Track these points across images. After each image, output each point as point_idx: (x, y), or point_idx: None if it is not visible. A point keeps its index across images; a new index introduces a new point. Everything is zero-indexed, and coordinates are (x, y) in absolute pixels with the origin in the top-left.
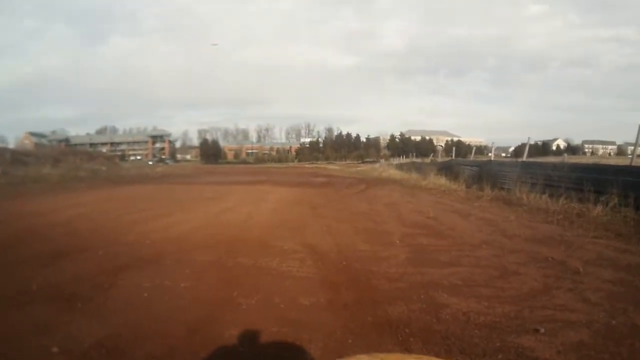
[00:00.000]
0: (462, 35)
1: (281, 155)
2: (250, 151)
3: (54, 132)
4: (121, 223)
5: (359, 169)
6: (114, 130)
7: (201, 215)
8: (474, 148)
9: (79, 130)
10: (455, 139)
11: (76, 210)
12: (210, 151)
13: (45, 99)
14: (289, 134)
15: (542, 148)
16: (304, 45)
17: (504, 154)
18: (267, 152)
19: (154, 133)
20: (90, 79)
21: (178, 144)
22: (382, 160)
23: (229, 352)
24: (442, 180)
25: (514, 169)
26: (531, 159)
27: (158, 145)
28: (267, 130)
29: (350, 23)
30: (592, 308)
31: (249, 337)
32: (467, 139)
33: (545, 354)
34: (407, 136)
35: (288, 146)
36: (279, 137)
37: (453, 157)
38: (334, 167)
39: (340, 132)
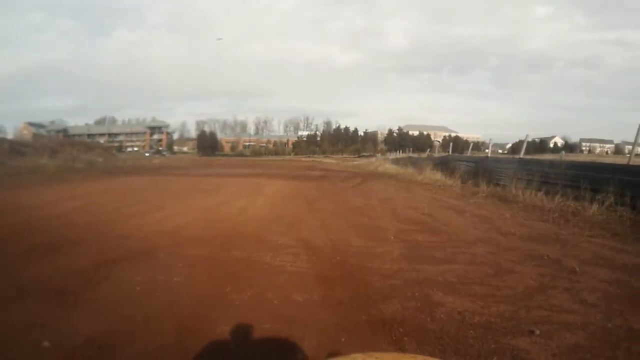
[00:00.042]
0: (466, 35)
1: (278, 148)
2: (247, 144)
3: (52, 123)
4: (117, 216)
5: (355, 163)
6: (113, 120)
7: (196, 208)
8: (471, 144)
9: (79, 120)
10: (453, 134)
11: (72, 203)
12: (207, 143)
13: (45, 89)
14: (287, 126)
15: (540, 145)
16: (307, 42)
17: (501, 151)
18: (264, 144)
19: (152, 124)
20: (91, 70)
21: (176, 136)
22: (379, 155)
23: (221, 348)
24: (438, 176)
25: (511, 166)
26: (528, 156)
27: (156, 136)
28: (265, 122)
29: (354, 21)
30: (589, 309)
31: (242, 334)
32: (465, 135)
33: (541, 357)
34: (405, 131)
35: (285, 139)
36: (278, 130)
37: (450, 152)
38: (331, 161)
39: (339, 126)
